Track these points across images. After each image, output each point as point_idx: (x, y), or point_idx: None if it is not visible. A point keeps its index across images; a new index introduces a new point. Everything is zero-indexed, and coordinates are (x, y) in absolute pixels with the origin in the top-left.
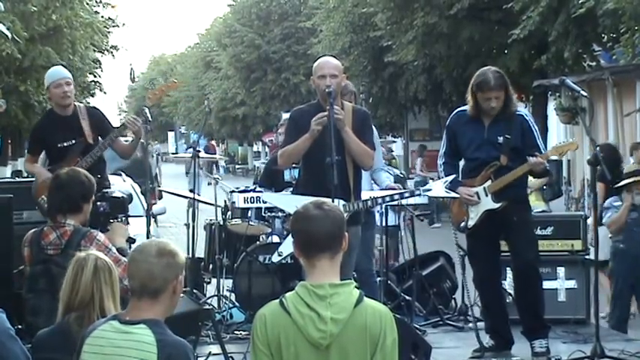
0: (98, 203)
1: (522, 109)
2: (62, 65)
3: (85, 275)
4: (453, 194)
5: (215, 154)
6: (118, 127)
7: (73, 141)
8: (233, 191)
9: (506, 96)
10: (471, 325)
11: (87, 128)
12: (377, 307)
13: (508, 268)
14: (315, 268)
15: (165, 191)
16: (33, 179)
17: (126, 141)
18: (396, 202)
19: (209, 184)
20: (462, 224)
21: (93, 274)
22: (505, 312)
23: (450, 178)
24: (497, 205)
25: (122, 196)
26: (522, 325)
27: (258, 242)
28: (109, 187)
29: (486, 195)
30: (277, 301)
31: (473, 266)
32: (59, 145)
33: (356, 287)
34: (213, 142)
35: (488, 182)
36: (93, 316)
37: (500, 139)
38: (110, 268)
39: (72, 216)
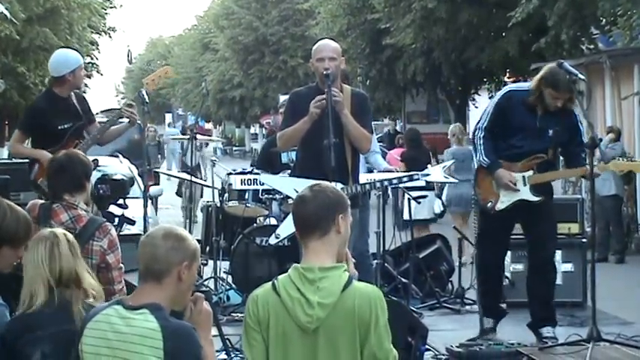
0: (99, 186)
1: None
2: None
3: (62, 250)
4: (452, 179)
5: (204, 135)
6: (114, 115)
7: (71, 124)
8: (230, 173)
9: (569, 100)
10: (467, 307)
11: (81, 113)
12: (365, 290)
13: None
14: (308, 249)
15: (162, 172)
16: (27, 161)
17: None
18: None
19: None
20: (489, 204)
21: (69, 248)
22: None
23: (449, 163)
24: (535, 199)
25: (122, 179)
26: (531, 314)
27: (255, 224)
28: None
29: (524, 184)
30: (270, 282)
31: (485, 247)
32: (59, 128)
33: (346, 270)
34: (203, 125)
35: (530, 172)
36: (80, 291)
37: (551, 131)
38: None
39: (78, 194)
